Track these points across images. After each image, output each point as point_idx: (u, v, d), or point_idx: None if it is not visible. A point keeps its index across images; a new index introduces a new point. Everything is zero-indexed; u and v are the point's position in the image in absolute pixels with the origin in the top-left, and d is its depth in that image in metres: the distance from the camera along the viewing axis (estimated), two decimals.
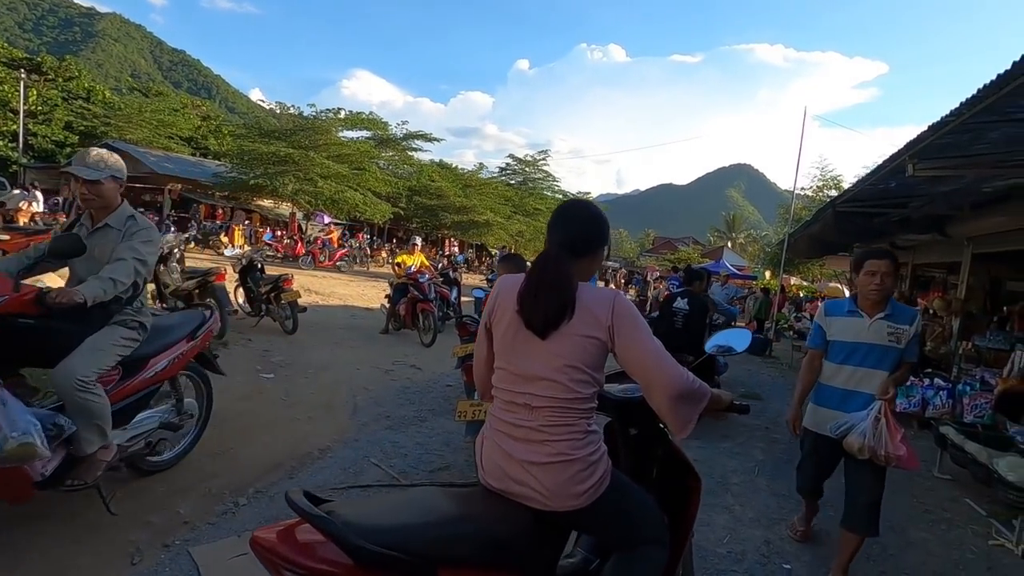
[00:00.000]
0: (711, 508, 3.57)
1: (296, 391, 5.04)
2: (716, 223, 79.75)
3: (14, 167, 23.29)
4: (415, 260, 8.93)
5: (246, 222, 22.82)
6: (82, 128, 27.12)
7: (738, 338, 2.19)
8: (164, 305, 6.77)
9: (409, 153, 29.07)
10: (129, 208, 2.73)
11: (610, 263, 48.06)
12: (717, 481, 4.07)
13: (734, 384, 7.88)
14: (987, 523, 3.74)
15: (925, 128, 3.83)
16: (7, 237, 6.97)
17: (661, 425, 1.91)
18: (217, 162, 25.93)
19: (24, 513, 2.48)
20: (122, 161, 2.78)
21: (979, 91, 2.94)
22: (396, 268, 9.14)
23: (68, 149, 27.18)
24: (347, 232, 25.38)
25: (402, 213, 27.82)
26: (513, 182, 38.70)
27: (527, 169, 39.36)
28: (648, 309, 13.07)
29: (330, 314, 10.20)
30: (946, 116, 3.38)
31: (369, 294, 13.72)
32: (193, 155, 30.65)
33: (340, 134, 24.21)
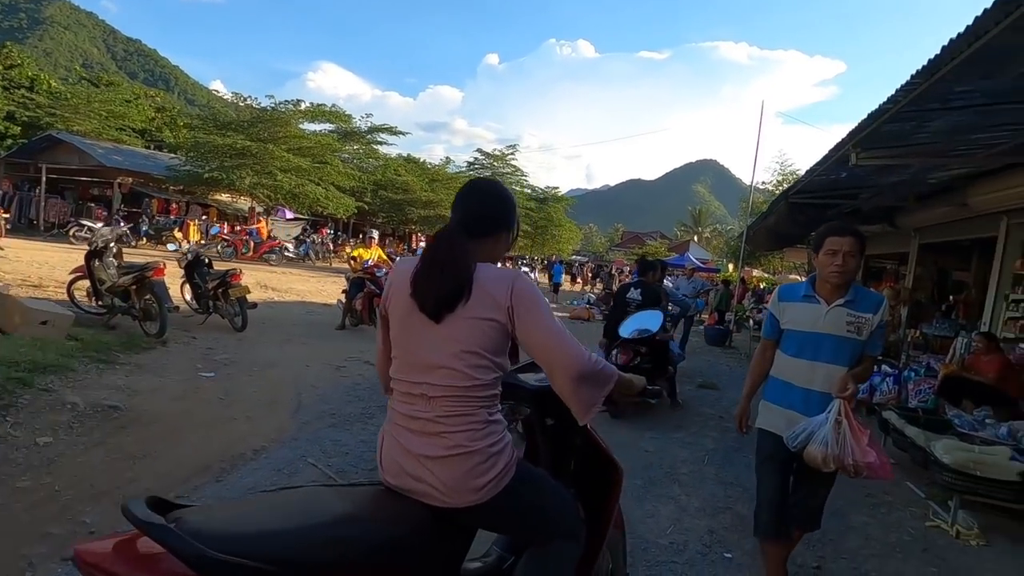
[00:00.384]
0: (658, 499, 3.54)
1: (237, 390, 4.81)
2: (683, 218, 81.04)
3: None
4: (372, 254, 8.72)
5: (203, 217, 22.04)
6: (25, 118, 25.73)
7: (651, 319, 2.27)
8: (100, 303, 6.43)
9: (374, 147, 28.56)
10: None
11: (578, 257, 48.46)
12: (666, 472, 4.05)
13: (692, 374, 7.94)
14: (925, 505, 3.82)
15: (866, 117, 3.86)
16: None
17: None
18: (171, 155, 24.95)
19: None
20: None
21: (912, 77, 2.95)
22: (352, 263, 8.91)
23: (9, 141, 25.77)
24: (308, 227, 24.76)
25: (367, 208, 27.30)
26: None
27: (495, 164, 39.16)
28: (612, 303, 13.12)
29: (285, 310, 9.89)
30: (883, 104, 3.40)
31: (329, 290, 13.39)
32: (147, 148, 29.45)
33: (302, 127, 23.60)
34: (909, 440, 4.07)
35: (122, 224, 17.43)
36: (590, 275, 28.99)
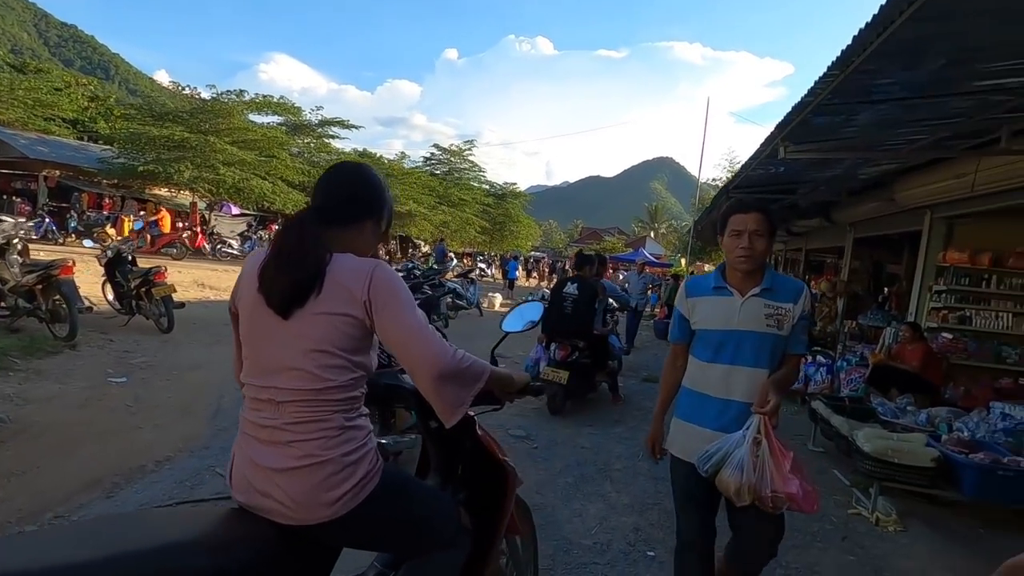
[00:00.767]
0: (588, 497, 3.46)
1: (150, 395, 4.49)
2: (640, 214, 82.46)
3: None
4: None
5: (141, 212, 20.88)
6: None
7: (532, 310, 2.20)
8: (3, 304, 5.91)
9: (326, 141, 27.72)
10: None
11: (536, 253, 48.60)
12: (600, 468, 3.98)
13: (638, 368, 7.98)
14: (849, 493, 3.89)
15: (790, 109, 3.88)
16: None
17: (471, 415, 1.73)
18: (103, 146, 23.51)
19: None
20: None
21: (829, 69, 2.96)
22: None
23: None
24: (254, 223, 23.83)
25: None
26: (438, 172, 38.01)
27: (453, 159, 38.78)
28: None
29: (220, 310, 9.41)
30: (805, 96, 3.41)
31: None
32: (79, 139, 27.69)
33: (249, 119, 22.64)
34: (834, 429, 4.14)
35: (47, 220, 16.34)
36: (547, 271, 29.07)
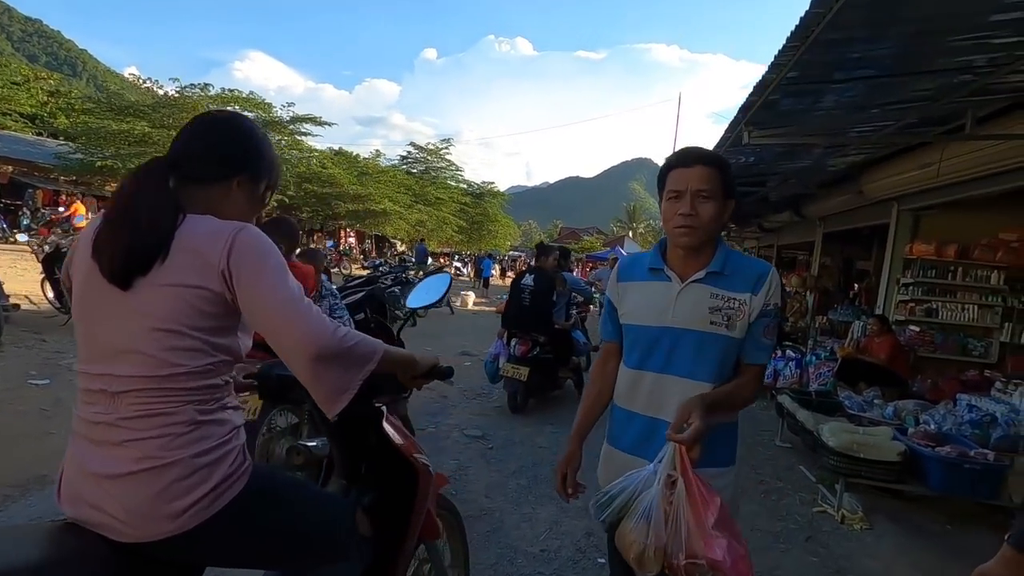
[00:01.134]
0: (539, 500, 3.24)
1: (73, 398, 4.13)
2: (619, 214, 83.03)
3: None
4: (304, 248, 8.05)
5: (101, 209, 20.06)
6: None
7: (438, 283, 1.96)
8: None
9: (298, 138, 27.11)
10: None
11: (513, 252, 48.44)
12: (553, 469, 3.74)
13: None
14: (815, 489, 3.74)
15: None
16: None
17: (378, 406, 1.51)
18: (59, 141, 22.58)
19: None
20: None
21: (789, 40, 2.78)
22: None
23: None
24: None
25: (287, 201, 25.82)
26: (415, 171, 37.60)
27: (429, 158, 38.41)
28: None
29: None
30: (766, 73, 3.23)
31: None
32: (38, 134, 26.63)
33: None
34: (800, 424, 3.99)
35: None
36: (524, 269, 28.86)
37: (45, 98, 30.59)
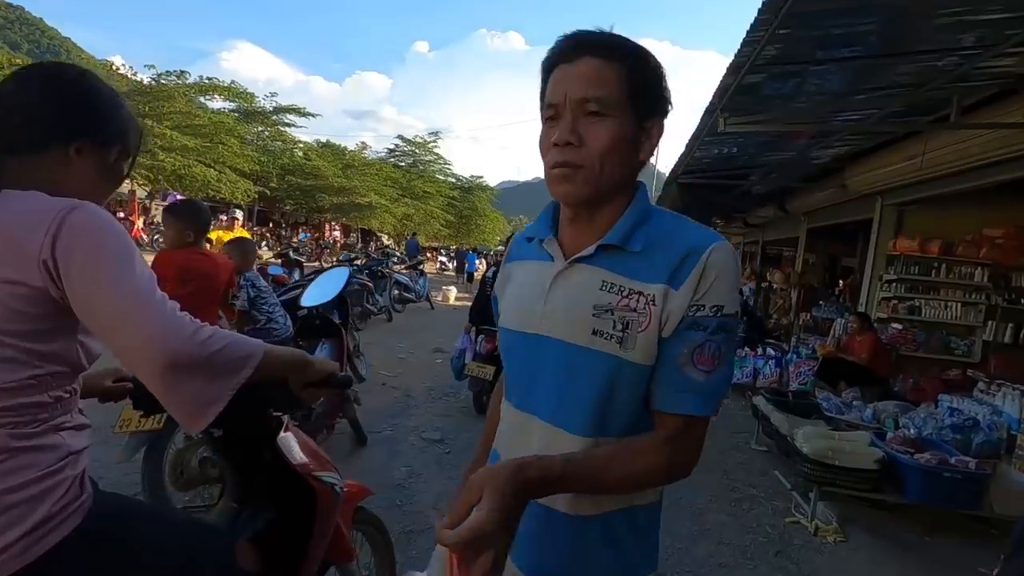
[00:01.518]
0: None
1: None
2: None
3: None
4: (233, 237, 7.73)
5: None
6: None
7: (335, 278, 1.72)
8: None
9: (282, 129, 26.64)
10: None
11: (502, 247, 48.20)
12: None
13: None
14: (790, 497, 3.54)
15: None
16: None
17: (278, 416, 1.29)
18: None
19: None
20: None
21: (760, 10, 2.55)
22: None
23: None
24: None
25: (268, 194, 25.35)
26: (403, 164, 37.20)
27: (417, 151, 37.98)
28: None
29: None
30: (740, 49, 2.99)
31: None
32: None
33: (200, 103, 21.46)
34: (775, 427, 3.79)
35: None
36: (493, 263, 28.58)
37: None
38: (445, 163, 39.51)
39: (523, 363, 0.88)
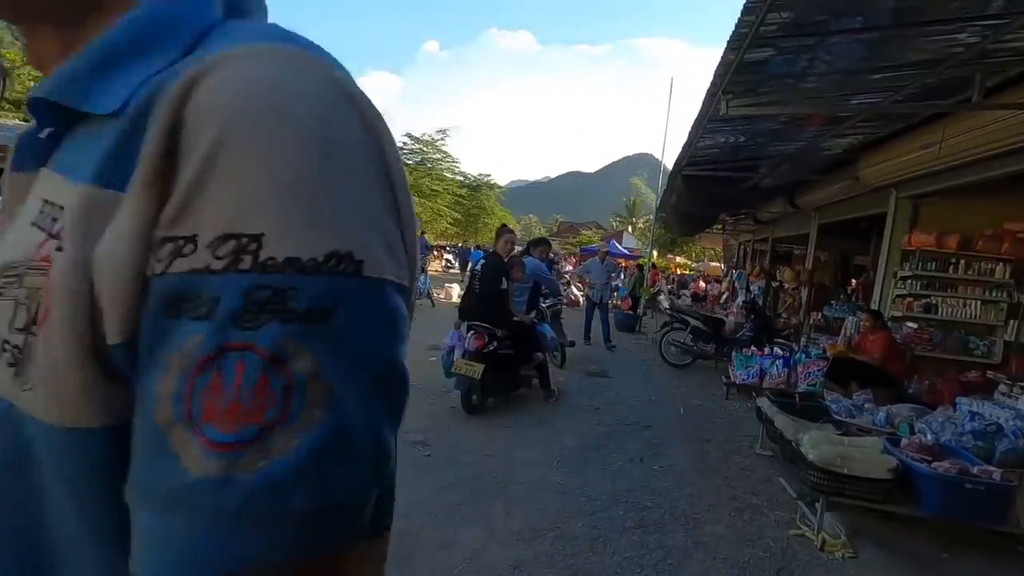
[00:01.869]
0: (467, 520, 2.78)
1: None
2: (620, 209, 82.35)
3: None
4: None
5: None
6: None
7: None
8: None
9: None
10: None
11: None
12: (499, 481, 3.30)
13: (586, 361, 7.33)
14: (794, 507, 3.28)
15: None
16: None
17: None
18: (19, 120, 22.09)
19: None
20: None
21: None
22: None
23: None
24: None
25: None
26: (410, 162, 37.05)
27: (425, 149, 37.78)
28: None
29: None
30: (741, 17, 2.73)
31: None
32: (27, 121, 26.10)
33: None
34: (779, 431, 3.53)
35: None
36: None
37: (31, 84, 30.06)
38: (453, 161, 39.29)
39: None
